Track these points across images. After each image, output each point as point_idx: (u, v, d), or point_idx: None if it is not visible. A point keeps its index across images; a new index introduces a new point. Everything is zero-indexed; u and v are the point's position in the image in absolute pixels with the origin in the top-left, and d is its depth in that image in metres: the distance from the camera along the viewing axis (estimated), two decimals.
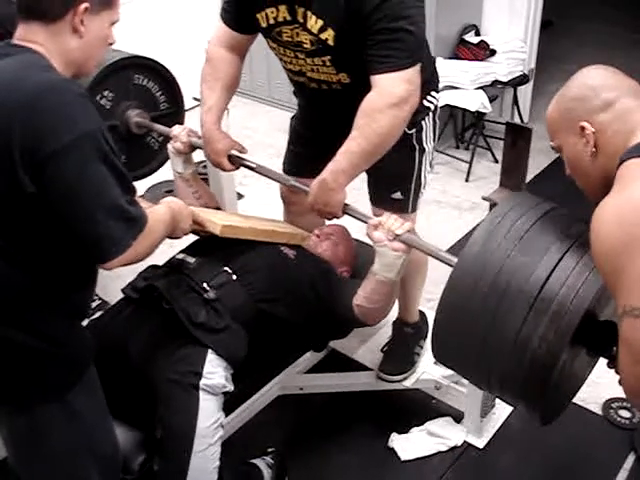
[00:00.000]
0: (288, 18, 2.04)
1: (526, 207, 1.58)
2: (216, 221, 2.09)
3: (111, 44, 1.65)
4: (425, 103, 2.27)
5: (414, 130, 2.26)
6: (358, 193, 2.27)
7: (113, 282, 2.95)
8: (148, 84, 2.58)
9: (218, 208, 2.50)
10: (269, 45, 2.20)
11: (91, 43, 1.57)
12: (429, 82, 2.29)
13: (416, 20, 1.93)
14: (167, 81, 2.63)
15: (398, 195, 2.35)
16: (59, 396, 1.63)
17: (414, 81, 1.95)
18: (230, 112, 2.49)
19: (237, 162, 2.29)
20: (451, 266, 1.65)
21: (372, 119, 1.94)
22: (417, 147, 2.30)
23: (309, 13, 1.99)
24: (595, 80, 1.43)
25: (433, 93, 2.30)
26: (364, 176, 2.30)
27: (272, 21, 2.08)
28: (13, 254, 1.50)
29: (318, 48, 2.04)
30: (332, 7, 1.94)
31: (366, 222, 1.99)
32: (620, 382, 1.36)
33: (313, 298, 2.15)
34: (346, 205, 2.07)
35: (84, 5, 1.50)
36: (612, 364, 1.43)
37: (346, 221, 2.55)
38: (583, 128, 1.41)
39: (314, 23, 1.99)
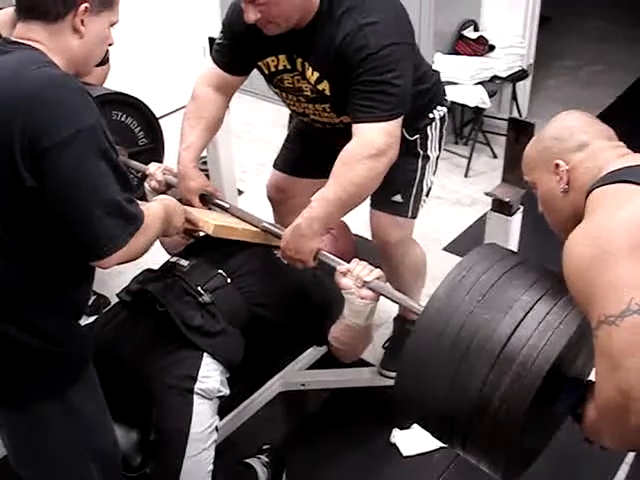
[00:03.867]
0: (288, 67, 2.08)
1: (492, 260, 1.56)
2: (209, 220, 2.08)
3: (110, 45, 1.66)
4: (430, 115, 2.31)
5: (417, 137, 2.29)
6: None
7: (113, 278, 2.96)
8: (127, 120, 2.58)
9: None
10: (272, 90, 2.24)
11: (91, 43, 1.57)
12: (435, 96, 2.33)
13: (402, 74, 1.95)
14: (146, 117, 2.64)
15: (398, 198, 2.35)
16: (58, 394, 1.63)
17: (394, 134, 1.97)
18: (230, 108, 2.49)
19: (209, 202, 2.27)
20: (417, 316, 1.63)
21: (349, 168, 1.95)
22: (421, 153, 2.32)
23: (307, 64, 2.04)
24: (572, 123, 1.54)
25: (439, 107, 2.33)
26: None
27: (273, 69, 2.12)
28: (12, 249, 1.50)
29: (317, 97, 2.09)
30: (325, 60, 1.99)
31: (335, 268, 1.96)
32: (585, 431, 1.40)
33: (306, 306, 2.14)
34: (318, 251, 2.04)
35: (84, 5, 1.51)
36: (579, 422, 1.43)
37: (347, 217, 2.56)
38: (557, 165, 1.49)
39: (311, 74, 2.04)
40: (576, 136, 1.50)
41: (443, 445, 2.50)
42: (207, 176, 2.66)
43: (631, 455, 2.43)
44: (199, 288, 2.01)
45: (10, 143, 1.41)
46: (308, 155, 2.47)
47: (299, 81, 2.10)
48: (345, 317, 1.99)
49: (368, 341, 2.17)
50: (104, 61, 2.81)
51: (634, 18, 6.45)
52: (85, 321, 1.96)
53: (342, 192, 1.96)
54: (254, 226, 2.19)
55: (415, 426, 2.57)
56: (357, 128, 1.96)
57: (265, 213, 2.57)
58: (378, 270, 1.91)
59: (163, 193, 2.27)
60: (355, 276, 1.89)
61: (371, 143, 1.94)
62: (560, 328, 1.42)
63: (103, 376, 1.79)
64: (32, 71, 1.45)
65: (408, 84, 2.00)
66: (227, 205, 2.26)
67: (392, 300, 1.90)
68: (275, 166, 2.64)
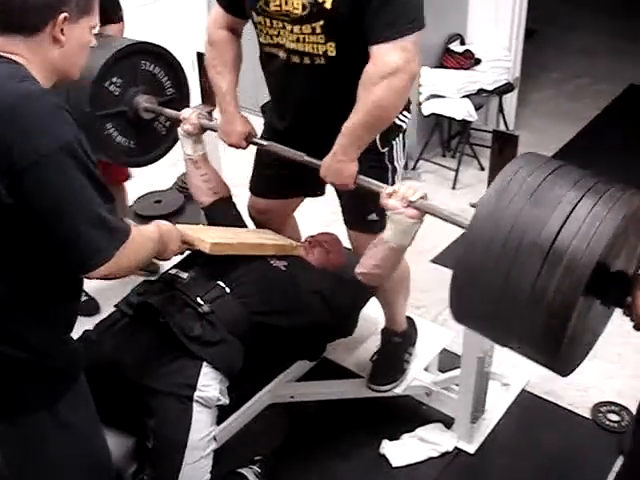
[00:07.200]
0: None
1: (536, 165, 1.60)
2: (205, 239, 2.10)
3: (93, 47, 1.64)
4: (397, 122, 2.23)
5: (387, 149, 2.25)
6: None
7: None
8: (155, 70, 2.59)
9: (229, 197, 2.52)
10: (254, 21, 2.17)
11: (73, 50, 1.57)
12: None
13: None
14: (173, 67, 2.64)
15: (374, 217, 2.30)
16: (47, 406, 1.63)
17: (410, 48, 1.94)
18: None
19: (250, 141, 2.36)
20: (465, 229, 1.67)
21: (368, 91, 1.95)
22: (389, 167, 2.30)
23: None
24: None
25: (405, 112, 2.26)
26: None
27: None
28: None
29: (311, 12, 2.01)
30: None
31: (379, 191, 1.99)
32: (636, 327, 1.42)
33: (317, 301, 2.15)
34: (358, 176, 2.08)
35: (63, 15, 1.49)
36: (627, 312, 1.48)
37: (338, 230, 2.58)
38: None
39: None
40: None
41: (432, 455, 2.54)
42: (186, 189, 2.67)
43: (619, 463, 2.47)
44: (198, 299, 2.03)
45: None
46: (278, 178, 2.46)
47: (287, 2, 2.03)
48: (389, 240, 2.02)
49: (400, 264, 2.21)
50: (116, 20, 2.86)
51: (619, 30, 6.51)
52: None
53: (366, 116, 1.98)
54: (295, 160, 2.22)
55: (404, 437, 2.60)
56: (372, 50, 1.95)
57: (254, 227, 2.59)
58: (422, 190, 1.95)
59: (197, 136, 2.38)
60: (401, 196, 1.93)
61: (385, 63, 1.93)
62: (607, 218, 1.45)
63: (101, 383, 1.80)
64: (9, 86, 1.44)
65: None
66: (265, 143, 2.33)
67: (439, 217, 1.92)
68: (250, 190, 2.64)
